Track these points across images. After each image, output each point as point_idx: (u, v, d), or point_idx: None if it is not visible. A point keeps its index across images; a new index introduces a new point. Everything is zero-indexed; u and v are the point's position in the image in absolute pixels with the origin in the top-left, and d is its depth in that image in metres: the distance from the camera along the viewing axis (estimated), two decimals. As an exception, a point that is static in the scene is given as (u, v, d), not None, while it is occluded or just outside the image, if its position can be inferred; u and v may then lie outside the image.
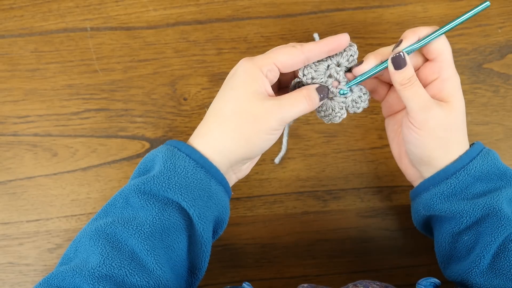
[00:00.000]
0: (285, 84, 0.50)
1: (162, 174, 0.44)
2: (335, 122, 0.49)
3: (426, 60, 0.47)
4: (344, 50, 0.47)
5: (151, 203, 0.44)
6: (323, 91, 0.47)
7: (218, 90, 0.60)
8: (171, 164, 0.44)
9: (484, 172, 0.47)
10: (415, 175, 0.50)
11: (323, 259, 0.59)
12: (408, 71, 0.45)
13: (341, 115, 0.48)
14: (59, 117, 0.60)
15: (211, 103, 0.47)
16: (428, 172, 0.48)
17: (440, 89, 0.46)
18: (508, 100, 0.61)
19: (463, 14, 0.45)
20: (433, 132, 0.46)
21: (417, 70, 0.47)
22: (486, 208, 0.46)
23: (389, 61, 0.45)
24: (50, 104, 0.60)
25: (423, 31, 0.45)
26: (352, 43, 0.47)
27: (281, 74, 0.49)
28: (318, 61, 0.47)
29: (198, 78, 0.61)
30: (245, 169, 0.51)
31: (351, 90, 0.48)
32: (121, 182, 0.59)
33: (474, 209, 0.46)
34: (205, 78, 0.61)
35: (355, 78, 0.47)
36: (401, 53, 0.45)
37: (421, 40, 0.45)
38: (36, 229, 0.59)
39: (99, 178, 0.60)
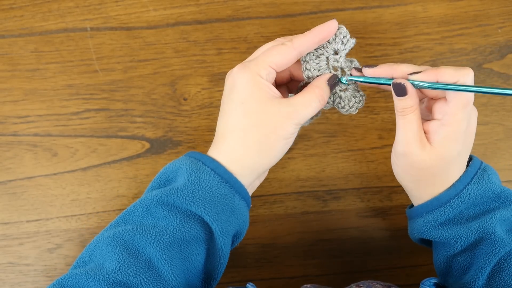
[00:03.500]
0: (280, 82, 0.50)
1: (186, 187, 0.44)
2: (362, 107, 0.48)
3: None
4: (336, 35, 0.46)
5: (173, 214, 0.44)
6: (333, 80, 0.47)
7: (218, 90, 0.60)
8: (196, 178, 0.44)
9: (478, 198, 0.46)
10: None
11: (323, 259, 0.59)
12: (406, 102, 0.44)
13: (361, 96, 0.48)
14: (59, 117, 0.60)
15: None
16: (411, 197, 0.49)
17: (434, 131, 0.44)
18: (508, 100, 0.61)
19: (495, 88, 0.42)
20: (404, 167, 0.46)
21: (438, 98, 0.45)
22: (480, 231, 0.45)
23: (391, 85, 0.44)
24: (50, 104, 0.60)
25: (445, 75, 0.42)
26: (340, 26, 0.46)
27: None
28: (316, 56, 0.47)
29: (198, 78, 0.61)
30: (266, 172, 0.52)
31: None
32: (121, 182, 0.59)
33: (468, 234, 0.46)
34: (205, 78, 0.61)
35: (360, 76, 0.47)
36: (403, 84, 0.43)
37: (438, 84, 0.42)
38: (36, 229, 0.59)
39: (99, 178, 0.60)
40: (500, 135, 0.60)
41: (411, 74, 0.44)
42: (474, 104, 0.61)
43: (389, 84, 0.45)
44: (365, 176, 0.60)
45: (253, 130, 0.44)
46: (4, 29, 0.61)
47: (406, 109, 0.44)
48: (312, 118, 0.51)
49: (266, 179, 0.60)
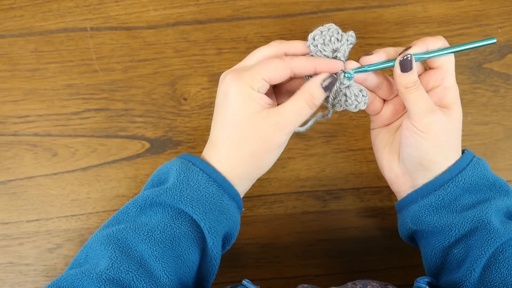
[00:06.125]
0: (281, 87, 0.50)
1: (175, 186, 0.45)
2: (367, 101, 0.48)
3: (425, 69, 0.48)
4: (330, 36, 0.46)
5: (164, 212, 0.45)
6: (331, 84, 0.46)
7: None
8: (184, 177, 0.45)
9: (473, 184, 0.46)
10: (405, 185, 0.49)
11: (323, 259, 0.59)
12: (414, 74, 0.45)
13: (363, 89, 0.48)
14: (59, 117, 0.60)
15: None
16: (424, 178, 0.47)
17: (441, 97, 0.46)
18: (508, 100, 0.61)
19: (475, 42, 0.47)
20: (436, 136, 0.45)
21: (421, 74, 0.48)
22: (475, 221, 0.45)
23: (396, 63, 0.45)
24: (50, 104, 0.60)
25: (431, 43, 0.46)
26: (330, 24, 0.47)
27: None
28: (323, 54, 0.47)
29: (198, 78, 0.61)
30: None
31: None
32: (121, 182, 0.59)
33: (463, 222, 0.46)
34: (205, 78, 0.61)
35: (361, 67, 0.47)
36: (409, 56, 0.45)
37: (430, 52, 0.46)
38: (36, 229, 0.59)
39: (99, 178, 0.60)
40: (500, 135, 0.60)
41: (404, 50, 0.46)
42: (474, 104, 0.61)
43: (391, 66, 0.46)
44: (365, 176, 0.60)
45: (244, 144, 0.45)
46: (4, 29, 0.61)
47: (416, 82, 0.45)
48: (321, 117, 0.51)
49: (266, 179, 0.60)
